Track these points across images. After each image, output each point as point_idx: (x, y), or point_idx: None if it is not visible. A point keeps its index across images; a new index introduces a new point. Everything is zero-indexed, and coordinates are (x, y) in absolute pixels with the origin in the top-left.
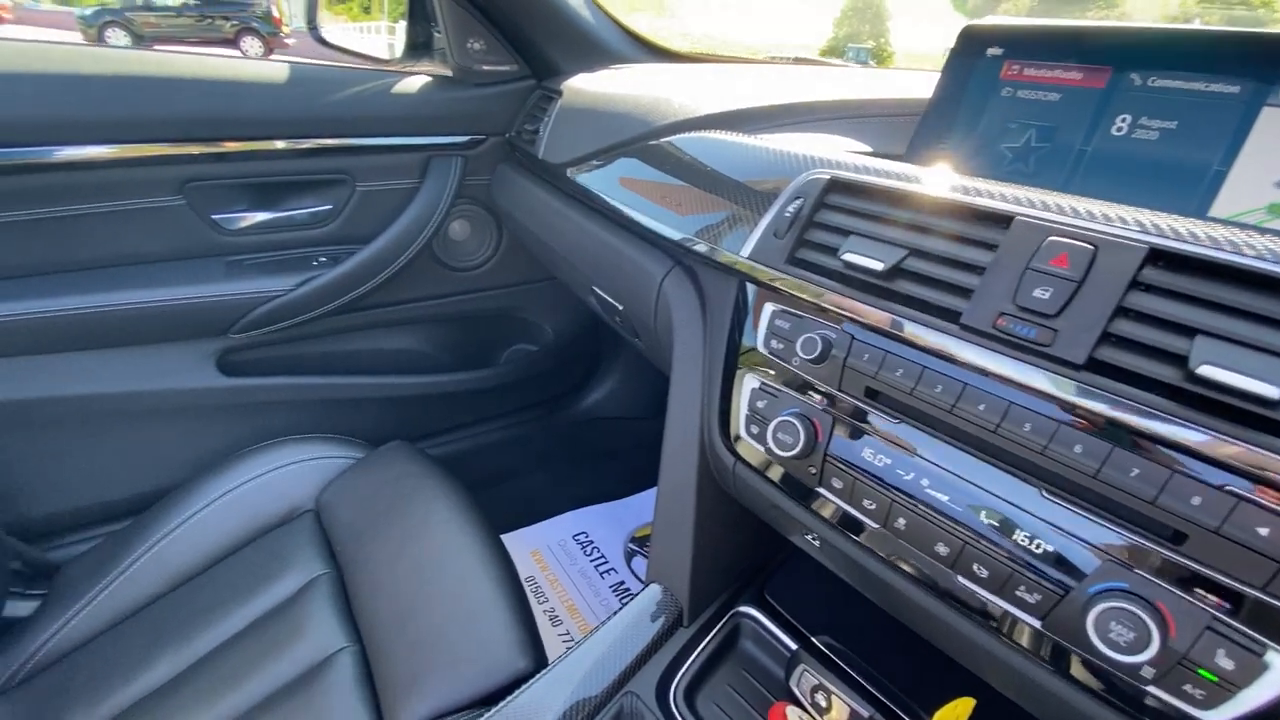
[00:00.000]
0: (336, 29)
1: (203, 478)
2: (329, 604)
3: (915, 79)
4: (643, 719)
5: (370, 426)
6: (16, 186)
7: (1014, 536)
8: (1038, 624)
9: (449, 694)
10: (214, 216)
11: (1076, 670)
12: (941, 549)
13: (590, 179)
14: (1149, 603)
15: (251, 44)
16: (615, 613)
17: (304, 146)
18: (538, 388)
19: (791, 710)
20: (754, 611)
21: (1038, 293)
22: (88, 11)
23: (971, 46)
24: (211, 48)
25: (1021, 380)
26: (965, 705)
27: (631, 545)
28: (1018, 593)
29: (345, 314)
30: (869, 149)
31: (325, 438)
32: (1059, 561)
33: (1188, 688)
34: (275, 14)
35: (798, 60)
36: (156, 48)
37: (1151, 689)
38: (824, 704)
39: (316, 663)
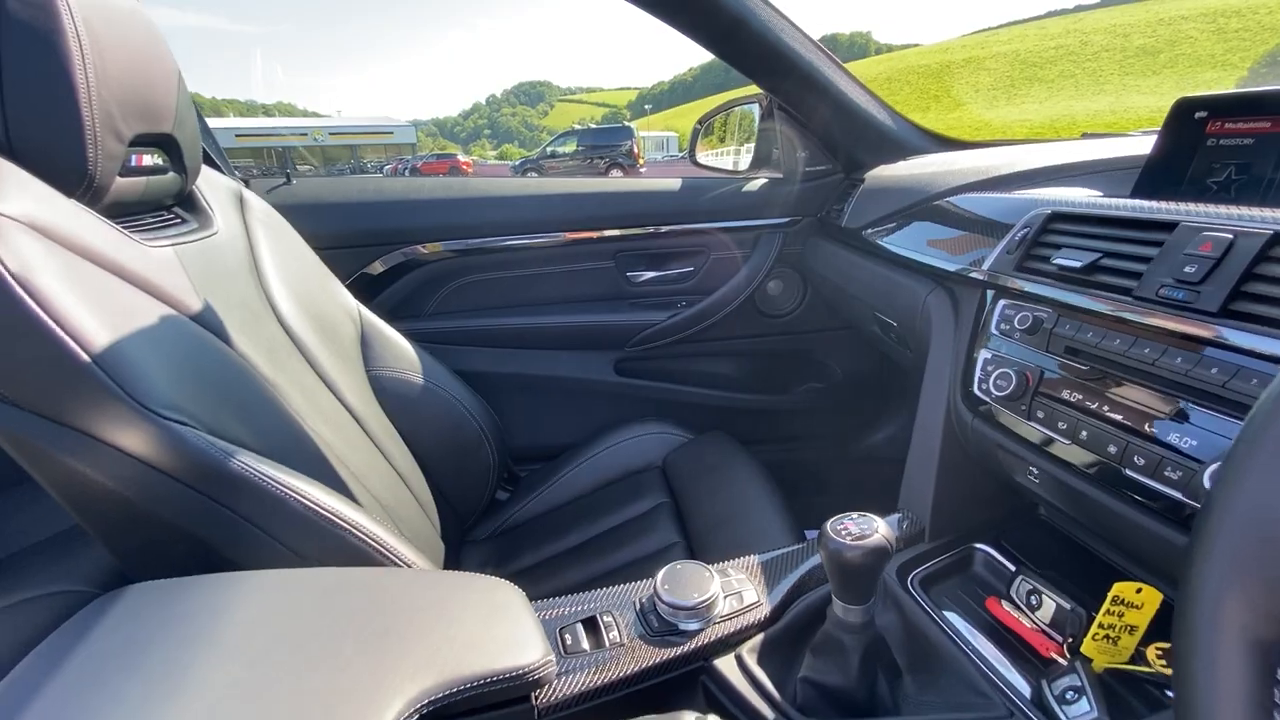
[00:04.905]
0: (705, 155)
1: (599, 437)
2: (669, 519)
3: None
4: (887, 589)
5: (694, 422)
6: (522, 257)
7: (1167, 436)
8: (1179, 495)
9: None
10: (627, 274)
11: None
12: (1111, 449)
13: (883, 237)
14: None
15: (616, 174)
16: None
17: (681, 229)
18: (824, 421)
19: (1005, 602)
20: (987, 547)
21: (1188, 269)
22: (516, 162)
23: (1184, 112)
24: (592, 178)
25: (1171, 327)
26: (1153, 595)
27: None
28: (1165, 473)
29: (689, 343)
30: (1099, 193)
31: (669, 421)
32: (1196, 447)
33: None
34: (635, 150)
35: (1085, 135)
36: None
37: None
38: (1035, 603)
39: (660, 549)
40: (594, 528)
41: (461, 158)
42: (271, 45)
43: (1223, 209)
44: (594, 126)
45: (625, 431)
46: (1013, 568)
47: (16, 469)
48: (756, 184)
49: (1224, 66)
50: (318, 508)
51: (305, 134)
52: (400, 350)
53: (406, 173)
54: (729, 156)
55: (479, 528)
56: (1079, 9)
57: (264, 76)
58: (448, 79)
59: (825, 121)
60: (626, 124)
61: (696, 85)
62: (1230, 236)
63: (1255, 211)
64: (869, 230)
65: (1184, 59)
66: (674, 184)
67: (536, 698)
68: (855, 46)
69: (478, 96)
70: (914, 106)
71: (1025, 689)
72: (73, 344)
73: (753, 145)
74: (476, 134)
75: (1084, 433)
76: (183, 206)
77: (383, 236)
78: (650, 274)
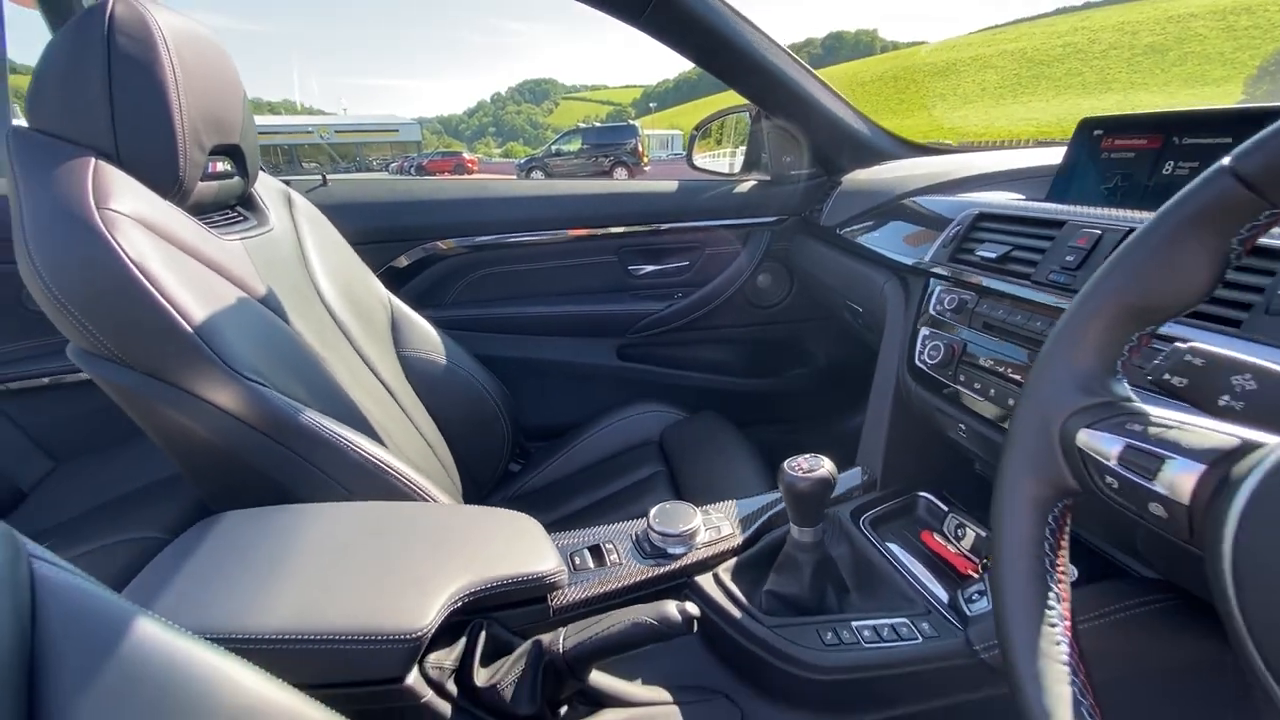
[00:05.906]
0: (701, 158)
1: (602, 415)
2: (665, 484)
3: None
4: (842, 527)
5: (689, 402)
6: (533, 252)
7: None
8: None
9: None
10: (629, 267)
11: None
12: (1010, 402)
13: (856, 235)
14: None
15: (620, 172)
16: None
17: (678, 227)
18: (810, 403)
19: (937, 535)
20: (929, 494)
21: (1069, 258)
22: (521, 160)
23: (1086, 130)
24: (597, 177)
25: (1055, 304)
26: None
27: None
28: None
29: (685, 330)
30: (1022, 196)
31: (666, 402)
32: None
33: None
34: (640, 149)
35: (1038, 142)
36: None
37: None
38: (961, 534)
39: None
40: (597, 493)
41: (467, 155)
42: (277, 44)
43: (1101, 210)
44: (599, 125)
45: (626, 410)
46: (946, 509)
47: (86, 439)
48: (747, 186)
49: (1233, 64)
50: (369, 455)
51: (311, 131)
52: (426, 334)
53: (412, 170)
54: (724, 159)
55: (494, 495)
56: (1087, 6)
57: (300, 81)
58: (453, 77)
59: (807, 130)
60: (631, 122)
61: (701, 83)
62: (1099, 232)
63: (1122, 212)
64: (842, 228)
65: (1193, 57)
66: (672, 185)
67: (551, 599)
68: (860, 44)
69: (483, 94)
70: (918, 106)
71: (944, 596)
72: (178, 317)
73: (744, 149)
74: (481, 132)
75: (993, 390)
76: (243, 206)
77: (407, 233)
78: (650, 267)
